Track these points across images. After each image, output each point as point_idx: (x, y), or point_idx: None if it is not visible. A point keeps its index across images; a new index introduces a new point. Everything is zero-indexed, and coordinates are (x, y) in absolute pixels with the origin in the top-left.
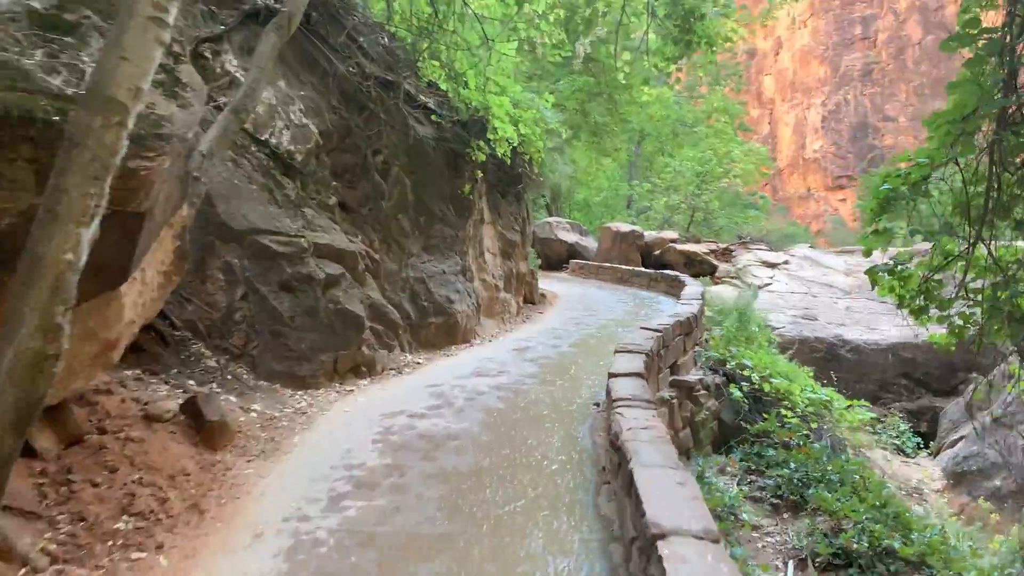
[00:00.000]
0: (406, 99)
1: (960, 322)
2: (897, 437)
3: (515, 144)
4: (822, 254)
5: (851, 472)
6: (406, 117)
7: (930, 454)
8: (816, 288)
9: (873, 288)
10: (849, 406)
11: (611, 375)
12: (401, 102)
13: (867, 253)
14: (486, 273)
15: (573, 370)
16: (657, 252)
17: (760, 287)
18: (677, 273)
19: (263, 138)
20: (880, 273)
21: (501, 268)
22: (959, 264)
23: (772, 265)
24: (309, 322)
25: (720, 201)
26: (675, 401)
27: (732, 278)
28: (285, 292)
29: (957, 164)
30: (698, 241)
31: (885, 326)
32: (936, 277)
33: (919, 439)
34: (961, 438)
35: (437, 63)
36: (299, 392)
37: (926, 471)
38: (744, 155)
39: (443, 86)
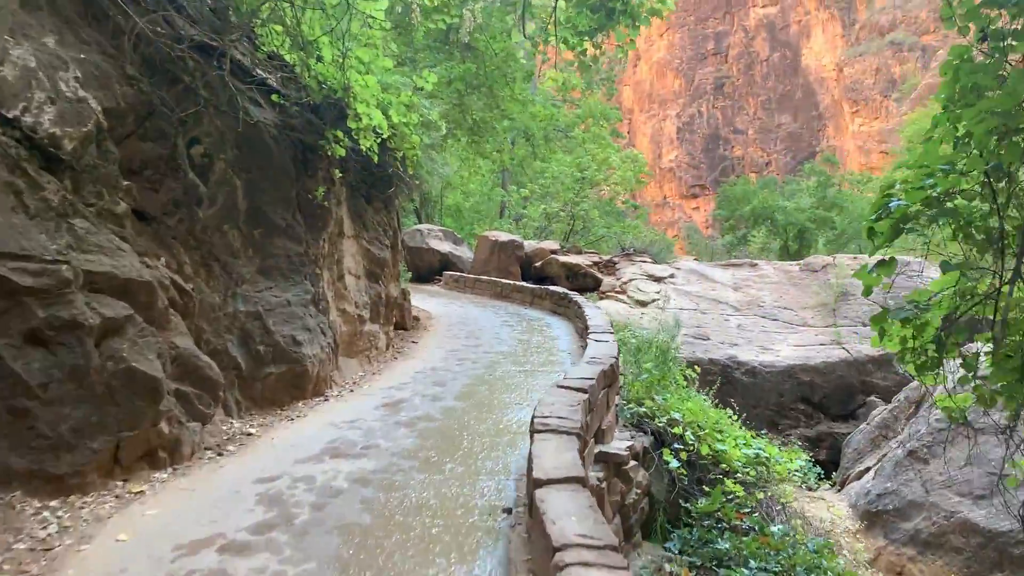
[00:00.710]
0: (238, 72)
1: (993, 385)
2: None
3: (384, 136)
4: (709, 267)
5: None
6: (236, 96)
7: (833, 485)
8: (705, 304)
9: (882, 340)
10: (788, 460)
11: (536, 482)
12: (229, 75)
13: (867, 291)
14: (347, 301)
15: (466, 441)
16: (538, 264)
17: (647, 303)
18: (564, 290)
19: (10, 115)
20: (893, 320)
21: (367, 293)
22: (989, 308)
23: (658, 279)
24: (73, 391)
25: (599, 210)
26: (604, 484)
27: (618, 293)
28: (33, 347)
29: (987, 178)
30: (580, 252)
31: (779, 346)
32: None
33: (820, 469)
34: (867, 469)
35: (280, 28)
36: (53, 502)
37: (837, 509)
38: (622, 162)
39: (288, 58)
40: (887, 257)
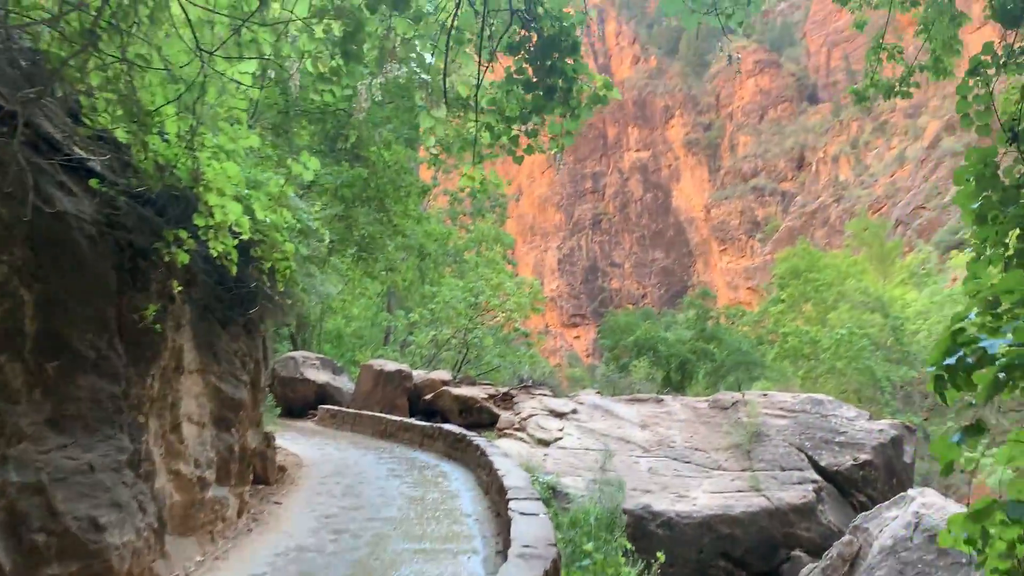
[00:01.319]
0: (45, 148)
1: None
2: None
3: (245, 238)
4: (613, 402)
5: None
6: (29, 175)
7: None
8: (613, 444)
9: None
10: None
11: None
12: (19, 145)
13: (946, 469)
14: (182, 459)
15: None
16: (428, 396)
17: (550, 442)
18: (460, 430)
19: None
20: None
21: (213, 446)
22: None
23: (560, 414)
24: None
25: (493, 337)
26: None
27: (517, 430)
28: None
29: None
30: (474, 383)
31: (695, 492)
32: None
33: None
34: None
35: (110, 93)
36: None
37: None
38: (517, 287)
39: (121, 135)
40: (974, 420)
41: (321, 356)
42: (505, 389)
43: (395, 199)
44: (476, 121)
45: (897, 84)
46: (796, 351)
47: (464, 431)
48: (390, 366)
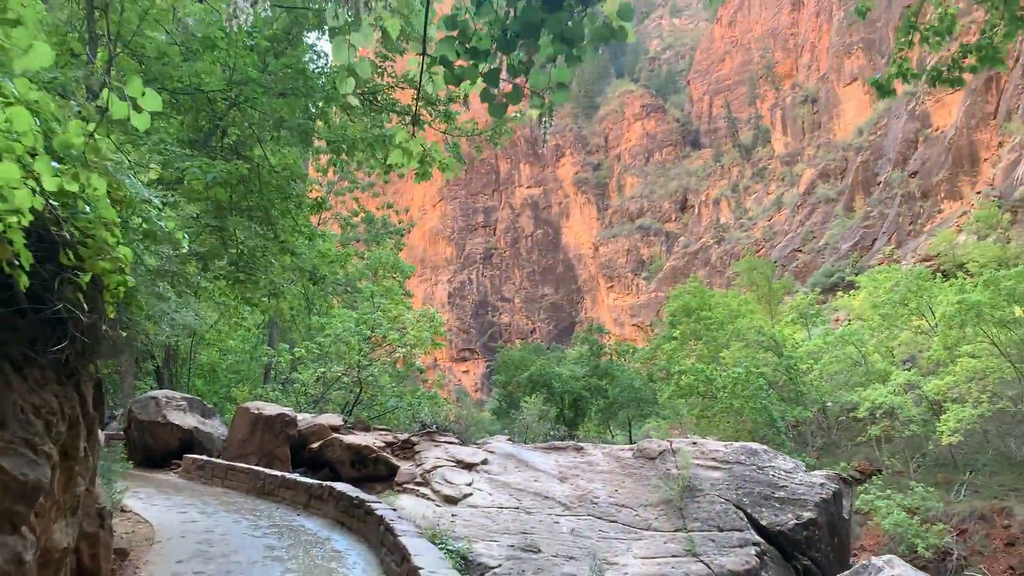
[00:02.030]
0: None
1: None
2: None
3: (28, 223)
4: (528, 451)
5: None
6: None
7: None
8: (529, 500)
9: None
10: None
11: None
12: None
13: None
14: None
15: None
16: (315, 445)
17: (458, 499)
18: (358, 493)
19: None
20: None
21: None
22: None
23: (469, 466)
24: None
25: (390, 375)
26: None
27: (419, 485)
28: None
29: None
30: (368, 429)
31: (624, 558)
32: None
33: None
34: None
35: None
36: None
37: None
38: (417, 320)
39: None
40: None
41: (188, 396)
42: (405, 436)
43: (282, 211)
44: (423, 55)
45: (945, 69)
46: (691, 389)
47: (360, 494)
48: (270, 409)
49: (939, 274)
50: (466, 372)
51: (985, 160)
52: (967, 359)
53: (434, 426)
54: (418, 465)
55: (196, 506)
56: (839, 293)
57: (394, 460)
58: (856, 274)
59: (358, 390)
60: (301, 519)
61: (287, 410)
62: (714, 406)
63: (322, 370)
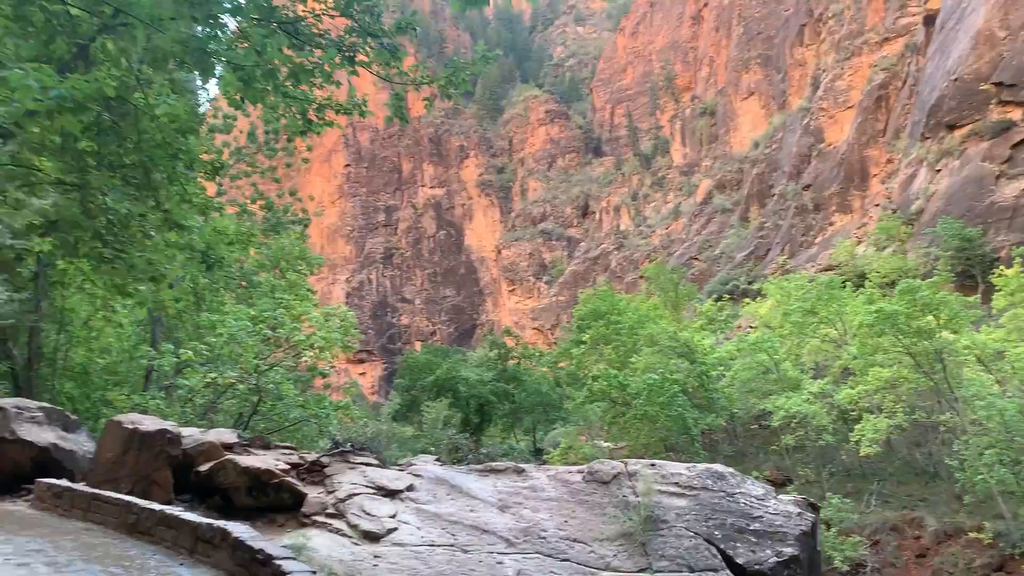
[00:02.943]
0: None
1: None
2: None
3: None
4: (462, 475)
5: None
6: None
7: None
8: (465, 535)
9: None
10: None
11: None
12: None
13: None
14: None
15: None
16: (204, 468)
17: (381, 536)
18: (262, 545)
19: None
20: None
21: None
22: None
23: (392, 493)
24: None
25: (294, 382)
26: None
27: (332, 517)
28: None
29: None
30: (268, 447)
31: None
32: None
33: None
34: None
35: None
36: None
37: None
38: (326, 319)
39: None
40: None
41: (46, 406)
42: (313, 456)
43: (169, 173)
44: None
45: None
46: (604, 395)
47: (265, 546)
48: (148, 424)
49: (848, 284)
50: (363, 374)
51: (874, 176)
52: (878, 369)
53: (348, 444)
54: (330, 492)
55: (44, 553)
56: (746, 300)
57: (300, 487)
58: (751, 283)
59: (255, 399)
60: (184, 571)
61: (169, 425)
62: (627, 413)
63: (212, 375)
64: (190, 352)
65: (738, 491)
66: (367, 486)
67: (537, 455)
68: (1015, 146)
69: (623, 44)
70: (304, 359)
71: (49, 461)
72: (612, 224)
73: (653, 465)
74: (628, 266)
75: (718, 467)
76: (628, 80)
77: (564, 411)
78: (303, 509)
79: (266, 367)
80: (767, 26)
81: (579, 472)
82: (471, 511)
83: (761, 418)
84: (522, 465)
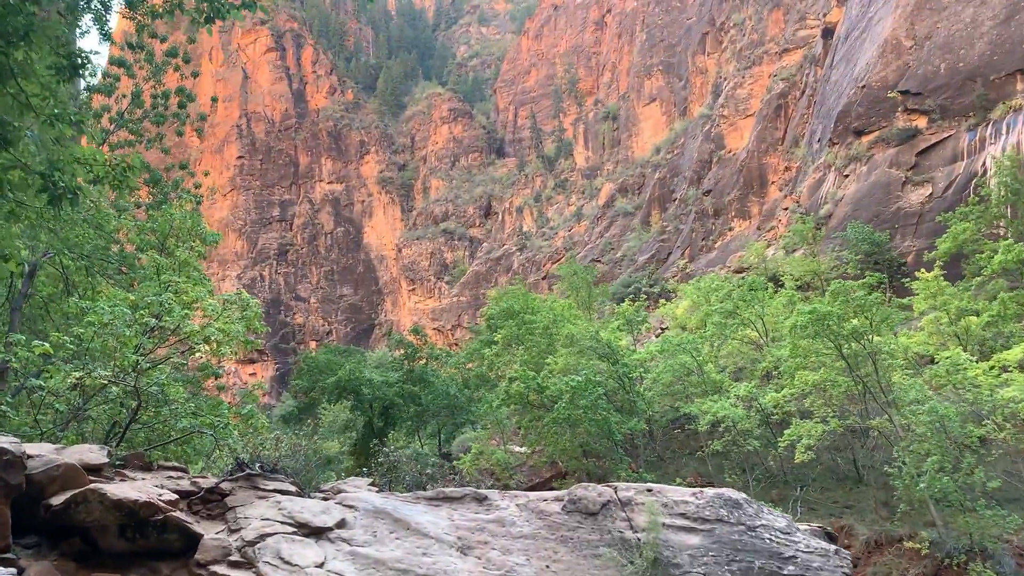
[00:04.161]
0: None
1: None
2: None
3: None
4: (405, 504)
5: None
6: None
7: None
8: None
9: None
10: None
11: None
12: None
13: None
14: None
15: None
16: (58, 500)
17: None
18: None
19: None
20: None
21: None
22: None
23: (318, 532)
24: None
25: (183, 384)
26: None
27: (238, 567)
28: None
29: None
30: (150, 468)
31: None
32: None
33: None
34: None
35: None
36: None
37: None
38: (224, 307)
39: None
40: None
41: None
42: (210, 481)
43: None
44: None
45: None
46: (521, 397)
47: None
48: None
49: (770, 285)
50: (253, 375)
51: (772, 182)
52: (803, 372)
53: (257, 465)
54: (234, 531)
55: None
56: (662, 301)
57: (194, 525)
58: (652, 285)
59: (134, 404)
60: None
61: (6, 441)
62: (545, 416)
63: (77, 374)
64: (46, 344)
65: (759, 523)
66: (284, 522)
67: (445, 460)
68: (920, 153)
69: (527, 46)
70: (196, 355)
71: None
72: (515, 225)
73: (650, 490)
74: (531, 267)
75: (730, 492)
76: (531, 82)
77: (471, 414)
78: (197, 556)
79: (148, 365)
80: (669, 34)
81: (557, 500)
82: (424, 555)
83: (681, 422)
84: (483, 491)
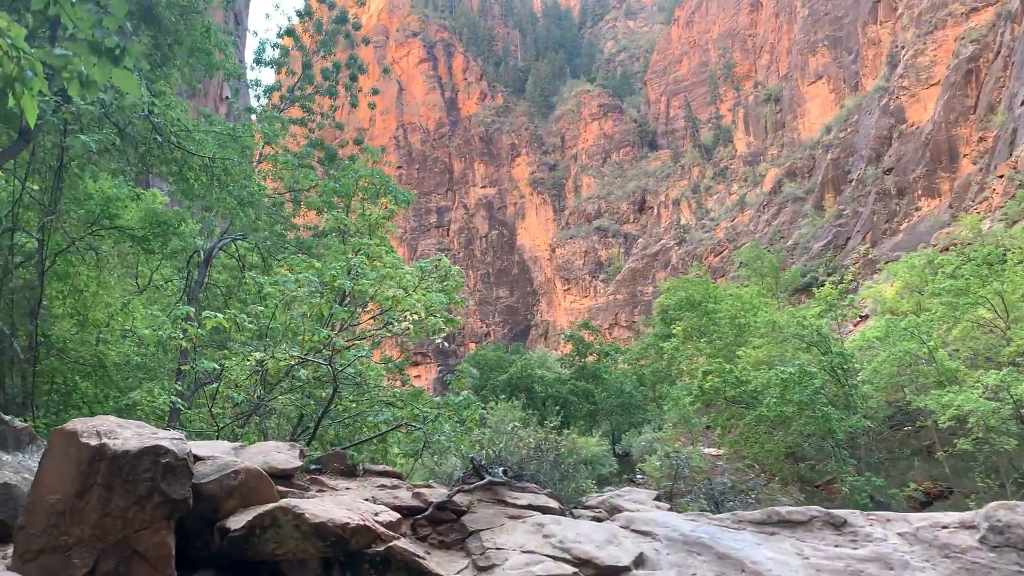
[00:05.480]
0: None
1: None
2: None
3: None
4: (727, 533)
5: None
6: None
7: None
8: None
9: None
10: None
11: None
12: None
13: None
14: None
15: None
16: (238, 525)
17: None
18: None
19: None
20: None
21: None
22: None
23: (607, 574)
24: None
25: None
26: None
27: None
28: None
29: None
30: (354, 473)
31: None
32: None
33: None
34: None
35: None
36: None
37: None
38: (420, 280)
39: None
40: None
41: None
42: (440, 492)
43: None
44: None
45: None
46: (718, 393)
47: None
48: (126, 437)
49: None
50: (418, 377)
51: (964, 156)
52: None
53: (499, 471)
54: (483, 569)
55: None
56: (866, 283)
57: (427, 560)
58: (830, 273)
59: (331, 391)
60: None
61: (166, 438)
62: (746, 414)
63: (258, 355)
64: (219, 316)
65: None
66: (557, 558)
67: (622, 460)
68: None
69: (677, 34)
70: (400, 330)
71: None
72: (671, 219)
73: None
74: (690, 261)
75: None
76: (684, 71)
77: (648, 412)
78: None
79: (344, 346)
80: (835, 7)
81: (964, 527)
82: None
83: (899, 418)
84: (837, 512)
